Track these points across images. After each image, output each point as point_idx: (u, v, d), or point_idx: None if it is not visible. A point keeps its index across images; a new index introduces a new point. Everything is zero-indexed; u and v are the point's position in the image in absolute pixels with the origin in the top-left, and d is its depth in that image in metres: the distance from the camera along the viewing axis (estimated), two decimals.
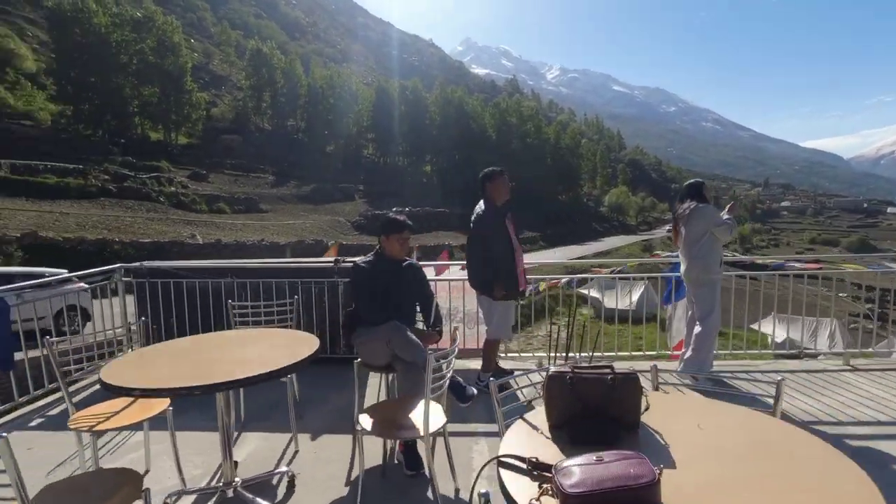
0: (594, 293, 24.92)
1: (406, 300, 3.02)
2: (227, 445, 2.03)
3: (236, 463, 2.48)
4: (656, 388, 1.80)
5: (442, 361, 2.08)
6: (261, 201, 38.07)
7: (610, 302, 17.98)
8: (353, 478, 2.41)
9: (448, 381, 2.78)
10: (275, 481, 2.32)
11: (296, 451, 2.71)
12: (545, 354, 4.12)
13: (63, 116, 39.93)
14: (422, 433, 1.95)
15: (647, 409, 1.36)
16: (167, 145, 44.27)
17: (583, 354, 4.73)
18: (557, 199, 73.70)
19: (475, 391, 3.45)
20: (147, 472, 2.47)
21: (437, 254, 28.28)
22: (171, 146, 44.44)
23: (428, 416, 1.92)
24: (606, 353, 4.78)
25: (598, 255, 42.16)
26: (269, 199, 39.81)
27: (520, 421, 1.39)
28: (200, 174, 39.52)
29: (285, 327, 3.13)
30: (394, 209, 41.23)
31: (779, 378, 1.54)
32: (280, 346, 2.13)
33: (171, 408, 2.23)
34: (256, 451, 2.78)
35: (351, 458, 2.61)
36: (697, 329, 3.83)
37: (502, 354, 4.58)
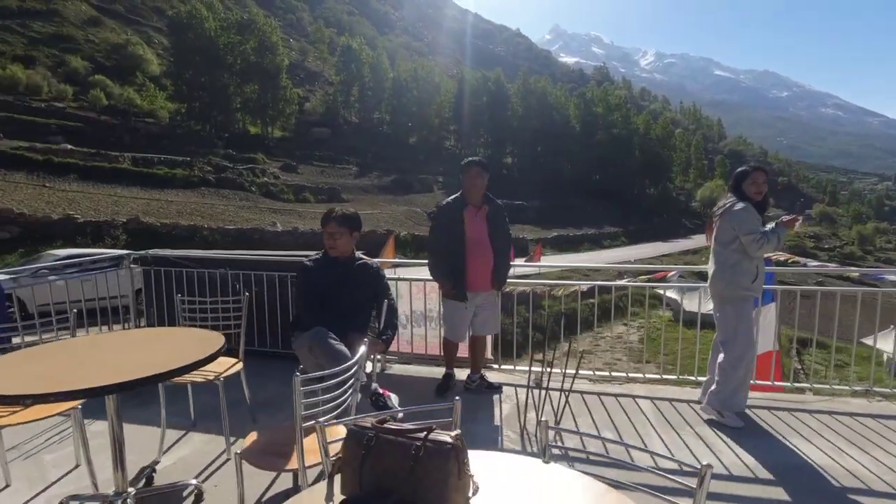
0: (672, 294, 23.21)
1: (354, 303, 2.77)
2: (119, 453, 1.93)
3: (153, 468, 2.37)
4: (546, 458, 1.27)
5: (331, 381, 1.74)
6: (343, 191, 39.50)
7: (691, 305, 16.56)
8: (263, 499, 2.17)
9: (371, 398, 2.48)
10: (185, 493, 2.17)
11: (226, 461, 2.54)
12: (542, 370, 3.69)
13: (178, 114, 44.03)
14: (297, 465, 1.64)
15: (475, 492, 1.01)
16: (264, 138, 47.28)
17: (598, 372, 4.22)
18: (645, 193, 69.59)
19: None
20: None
21: (521, 249, 27.68)
22: (268, 139, 47.41)
23: (301, 447, 1.61)
24: (647, 376, 4.23)
25: (683, 254, 39.23)
26: (352, 190, 41.20)
27: (317, 487, 1.11)
28: (291, 165, 41.77)
29: (237, 325, 2.99)
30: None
31: (705, 464, 1.03)
32: (173, 349, 1.97)
33: (79, 406, 2.14)
34: (190, 455, 2.64)
35: (275, 476, 2.29)
36: (720, 357, 3.14)
37: (494, 366, 4.16)
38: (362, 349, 2.35)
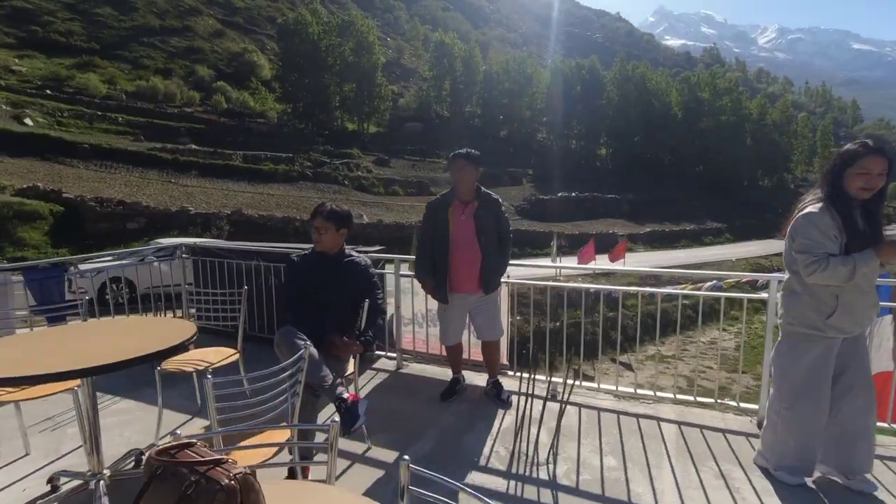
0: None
1: (338, 300, 2.71)
2: (94, 436, 2.06)
3: (142, 451, 2.50)
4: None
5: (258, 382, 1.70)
6: (432, 185, 40.16)
7: None
8: None
9: (335, 402, 2.33)
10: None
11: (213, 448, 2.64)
12: (561, 380, 3.40)
13: (285, 114, 47.46)
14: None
15: None
16: (360, 134, 49.44)
17: (608, 388, 3.84)
18: (757, 186, 62.96)
19: (361, 421, 2.38)
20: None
21: (606, 244, 26.48)
22: (363, 135, 49.51)
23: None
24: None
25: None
26: (440, 183, 41.73)
27: None
28: (383, 160, 43.30)
29: (234, 318, 3.10)
30: (560, 193, 39.85)
31: None
32: (143, 338, 2.05)
33: (76, 388, 2.29)
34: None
35: None
36: (772, 393, 2.56)
37: (510, 373, 3.88)
38: (311, 351, 2.31)
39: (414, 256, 3.53)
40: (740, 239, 40.23)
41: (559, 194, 39.96)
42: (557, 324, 4.39)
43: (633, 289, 3.93)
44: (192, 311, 3.60)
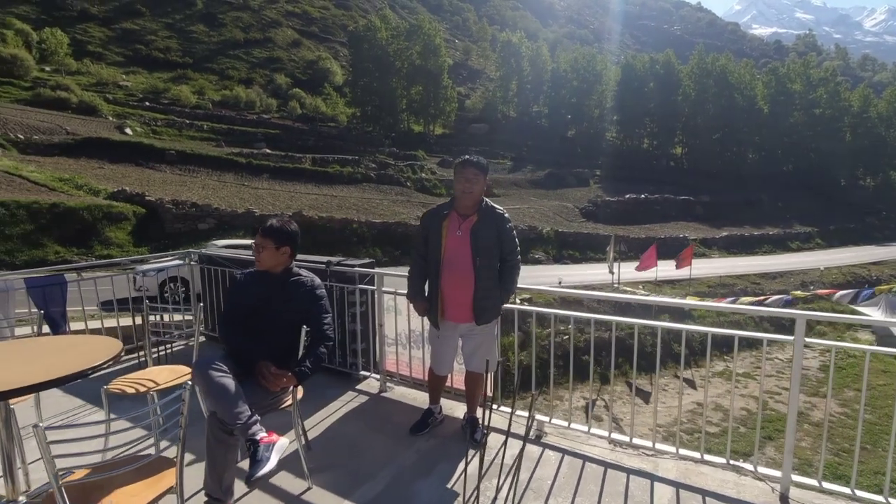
0: (876, 313, 18.38)
1: (279, 324, 2.49)
2: (7, 462, 1.99)
3: None
4: None
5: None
6: (495, 186, 39.67)
7: None
8: None
9: (247, 443, 2.08)
10: None
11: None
12: (532, 416, 2.98)
13: (354, 117, 48.97)
14: None
15: None
16: (425, 136, 49.95)
17: (616, 435, 3.34)
18: (857, 186, 56.53)
19: (269, 468, 2.03)
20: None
21: (675, 249, 24.67)
22: (429, 137, 49.97)
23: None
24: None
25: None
26: (504, 184, 41.18)
27: None
28: (448, 161, 43.33)
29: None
30: (596, 198, 37.93)
31: None
32: (55, 362, 1.95)
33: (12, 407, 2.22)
34: None
35: None
36: None
37: (494, 406, 3.41)
38: (226, 382, 2.11)
39: (402, 271, 3.27)
40: (833, 245, 36.24)
41: (627, 196, 38.07)
42: (559, 339, 3.95)
43: (611, 318, 3.41)
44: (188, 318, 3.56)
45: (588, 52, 57.91)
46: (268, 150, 33.79)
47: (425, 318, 3.16)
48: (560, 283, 15.59)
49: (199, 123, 37.34)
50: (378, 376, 3.79)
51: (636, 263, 21.48)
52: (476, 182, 2.82)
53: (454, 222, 2.86)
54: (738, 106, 51.96)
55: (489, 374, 3.10)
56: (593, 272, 20.17)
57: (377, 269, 3.81)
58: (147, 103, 39.50)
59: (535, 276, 18.55)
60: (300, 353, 2.50)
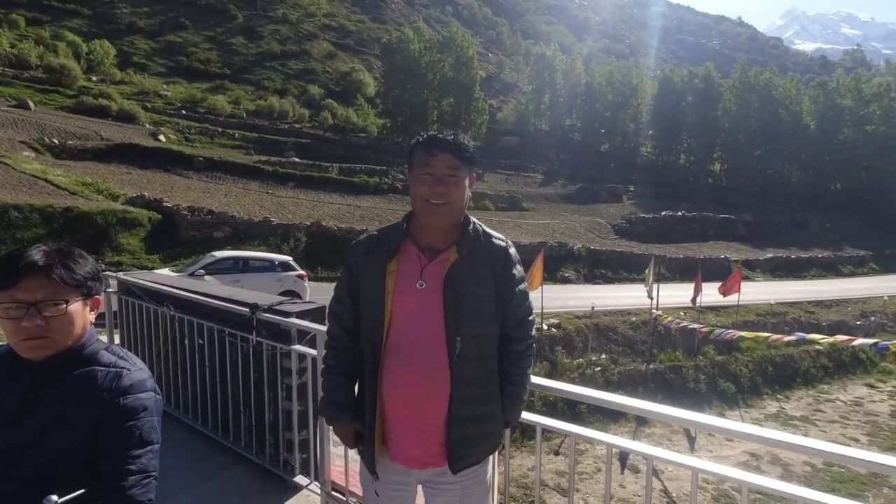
0: None
1: (40, 453, 1.23)
2: None
3: None
4: None
5: None
6: (524, 200, 38.25)
7: None
8: None
9: None
10: None
11: None
12: None
13: (384, 128, 48.48)
14: None
15: None
16: None
17: None
18: None
19: None
20: None
21: (716, 270, 22.42)
22: None
23: None
24: None
25: None
26: (534, 198, 39.71)
27: None
28: (477, 174, 41.98)
29: None
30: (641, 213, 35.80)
31: None
32: None
33: None
34: None
35: None
36: None
37: None
38: None
39: None
40: (890, 270, 33.12)
41: (663, 213, 35.97)
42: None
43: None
44: None
45: (624, 66, 56.05)
46: (296, 159, 33.34)
47: None
48: (593, 308, 14.04)
49: (231, 132, 37.37)
50: (319, 489, 2.45)
51: (675, 285, 19.61)
52: (455, 182, 1.47)
53: (410, 264, 1.50)
54: (782, 121, 49.05)
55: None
56: (628, 294, 18.42)
57: (319, 326, 2.41)
58: (183, 112, 39.90)
59: (566, 298, 16.97)
60: None
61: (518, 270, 1.58)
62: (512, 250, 1.58)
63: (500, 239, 1.57)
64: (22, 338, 1.22)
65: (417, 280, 1.47)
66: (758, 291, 21.76)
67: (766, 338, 12.51)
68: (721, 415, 13.01)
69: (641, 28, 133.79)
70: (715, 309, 17.73)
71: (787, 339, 12.56)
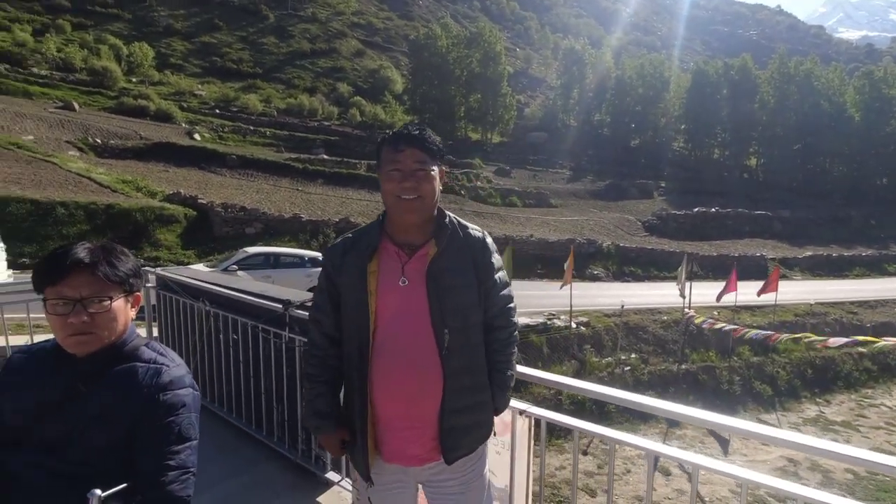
0: None
1: (81, 449, 1.25)
2: None
3: None
4: None
5: None
6: (552, 196, 37.79)
7: None
8: None
9: None
10: None
11: None
12: None
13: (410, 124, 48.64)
14: None
15: None
16: (483, 144, 48.79)
17: None
18: None
19: None
20: None
21: (751, 268, 21.60)
22: (486, 145, 48.77)
23: None
24: None
25: None
26: (562, 195, 39.21)
27: None
28: (504, 170, 41.99)
29: None
30: (661, 209, 34.80)
31: None
32: None
33: None
34: None
35: None
36: None
37: None
38: None
39: None
40: None
41: (695, 209, 34.98)
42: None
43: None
44: None
45: (656, 59, 54.61)
46: (325, 156, 33.77)
47: None
48: (622, 306, 13.77)
49: (263, 130, 38.11)
50: (351, 486, 2.46)
51: (708, 284, 19.06)
52: (424, 175, 1.46)
53: (390, 262, 1.49)
54: (824, 113, 46.93)
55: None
56: (659, 293, 17.97)
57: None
58: (217, 111, 40.90)
59: (594, 296, 16.70)
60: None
61: (496, 259, 1.58)
62: (489, 240, 1.59)
63: (476, 229, 1.58)
64: (68, 333, 1.25)
65: (399, 277, 1.47)
66: (796, 291, 20.85)
67: (817, 339, 11.94)
68: (757, 418, 12.59)
69: (673, 19, 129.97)
70: (750, 308, 17.14)
71: (836, 341, 11.91)
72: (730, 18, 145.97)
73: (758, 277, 20.47)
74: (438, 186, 1.52)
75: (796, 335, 13.91)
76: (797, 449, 1.49)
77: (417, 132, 1.51)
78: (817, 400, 13.81)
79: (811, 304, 17.82)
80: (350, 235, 1.59)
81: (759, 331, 13.03)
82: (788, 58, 51.18)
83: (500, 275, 1.58)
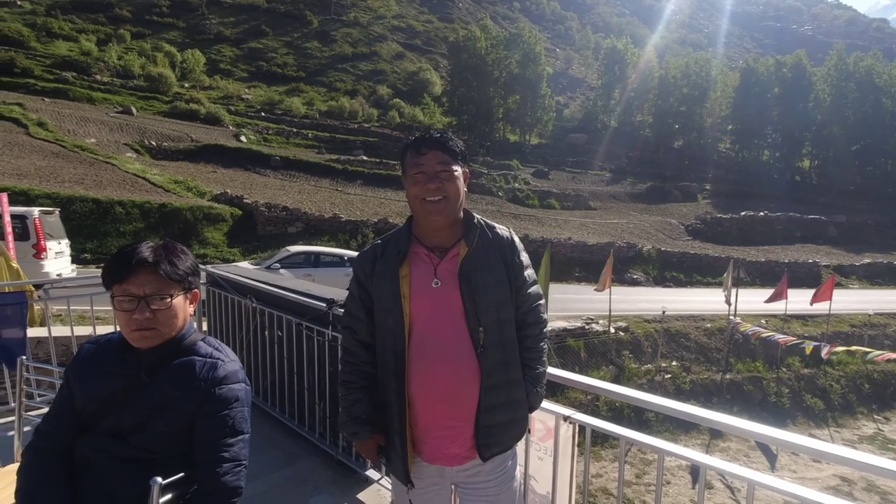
0: None
1: (143, 436, 1.32)
2: None
3: None
4: None
5: None
6: (591, 198, 37.09)
7: None
8: None
9: None
10: None
11: None
12: None
13: (450, 126, 48.76)
14: None
15: None
16: (521, 146, 48.40)
17: None
18: None
19: None
20: None
21: (802, 275, 20.53)
22: (524, 146, 48.35)
23: None
24: None
25: None
26: (602, 197, 38.42)
27: None
28: (542, 171, 41.50)
29: None
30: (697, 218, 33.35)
31: None
32: None
33: None
34: None
35: None
36: None
37: None
38: None
39: None
40: None
41: (742, 213, 33.51)
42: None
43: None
44: None
45: (701, 57, 52.70)
46: (364, 157, 34.32)
47: None
48: (664, 312, 13.33)
49: (306, 132, 39.10)
50: (392, 487, 2.49)
51: (755, 291, 18.22)
52: (448, 176, 1.47)
53: (421, 265, 1.50)
54: (886, 112, 44.10)
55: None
56: (702, 299, 17.31)
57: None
58: (262, 114, 42.27)
59: (634, 301, 16.25)
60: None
61: (524, 257, 1.60)
62: (516, 238, 1.61)
63: (502, 228, 1.60)
64: (133, 328, 1.33)
65: (432, 279, 1.48)
66: (851, 300, 19.58)
67: (876, 354, 11.22)
68: (808, 433, 11.93)
69: (720, 15, 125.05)
70: (801, 317, 16.26)
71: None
72: (783, 14, 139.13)
73: (809, 285, 19.43)
74: (463, 188, 1.54)
75: (850, 347, 13.13)
76: (856, 467, 1.41)
77: (439, 135, 1.53)
78: (875, 417, 12.96)
79: (869, 315, 16.73)
80: (379, 241, 1.61)
81: (817, 342, 12.35)
82: (847, 53, 48.35)
83: (529, 272, 1.60)
